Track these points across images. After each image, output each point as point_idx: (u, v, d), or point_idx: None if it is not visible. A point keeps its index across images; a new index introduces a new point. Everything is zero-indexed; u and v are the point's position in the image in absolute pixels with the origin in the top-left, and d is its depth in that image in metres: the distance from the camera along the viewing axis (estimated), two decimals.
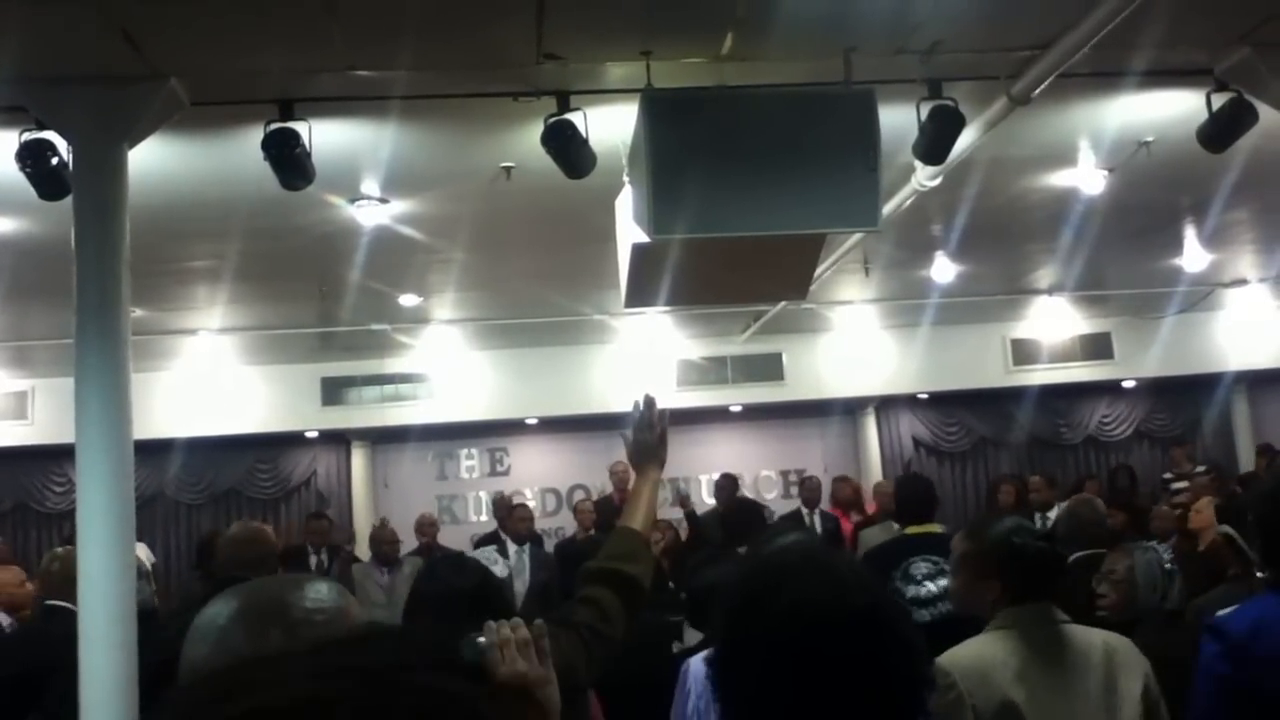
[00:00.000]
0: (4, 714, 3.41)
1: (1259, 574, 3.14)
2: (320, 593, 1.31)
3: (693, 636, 4.45)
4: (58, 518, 12.22)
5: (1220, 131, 6.07)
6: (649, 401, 2.83)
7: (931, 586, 3.16)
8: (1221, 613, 2.92)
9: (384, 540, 8.83)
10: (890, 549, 5.54)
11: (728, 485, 10.59)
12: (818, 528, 9.69)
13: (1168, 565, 3.58)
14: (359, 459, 13.48)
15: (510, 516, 9.01)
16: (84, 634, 4.94)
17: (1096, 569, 4.11)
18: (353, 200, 7.20)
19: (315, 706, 0.60)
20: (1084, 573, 4.29)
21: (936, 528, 5.47)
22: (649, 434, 2.79)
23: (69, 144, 5.45)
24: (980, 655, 2.89)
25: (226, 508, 13.04)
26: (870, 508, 10.60)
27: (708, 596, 3.32)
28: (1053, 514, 7.91)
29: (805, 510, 10.12)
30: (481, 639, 1.58)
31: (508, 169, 6.66)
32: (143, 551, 9.92)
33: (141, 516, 7.71)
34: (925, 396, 13.78)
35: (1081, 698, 2.83)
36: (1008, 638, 2.90)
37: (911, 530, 5.45)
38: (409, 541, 10.02)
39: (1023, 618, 2.91)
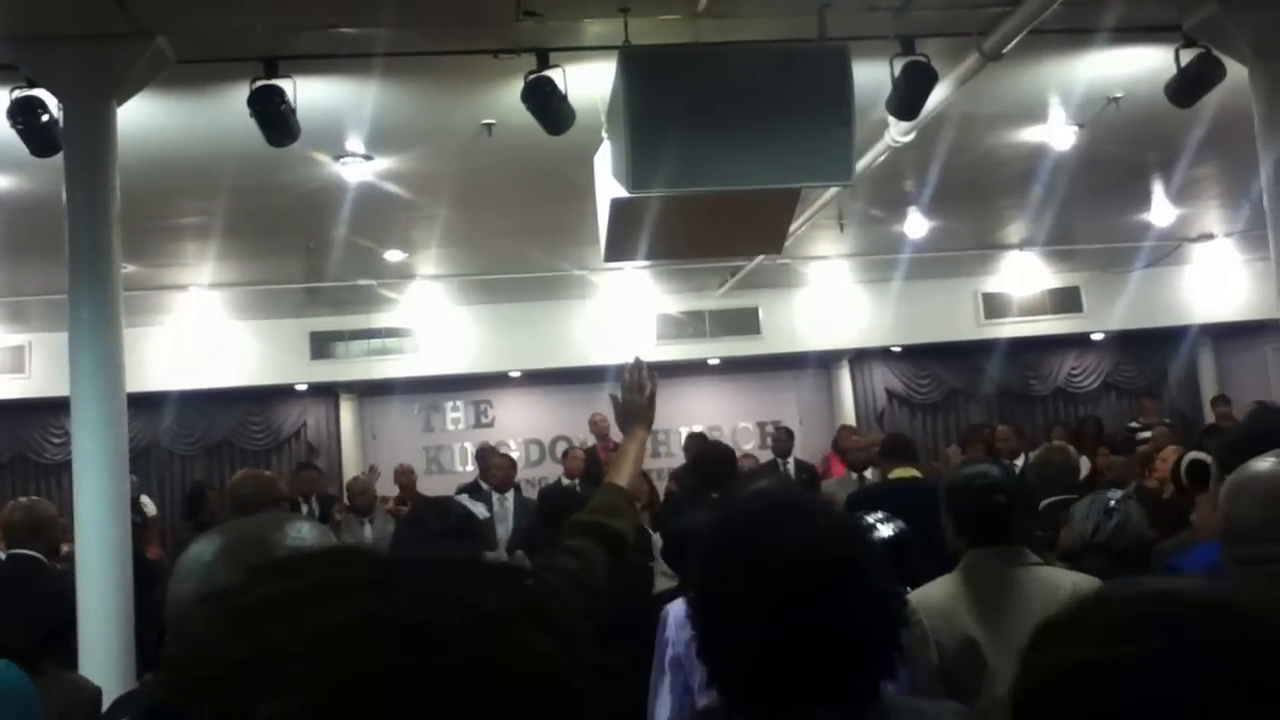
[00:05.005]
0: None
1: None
2: (301, 531, 1.32)
3: (663, 582, 4.51)
4: (56, 468, 12.39)
5: (1188, 87, 6.18)
6: (638, 364, 2.82)
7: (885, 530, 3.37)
8: (1178, 557, 3.17)
9: (355, 492, 8.90)
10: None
11: (696, 444, 10.67)
12: (793, 476, 9.84)
13: (1112, 505, 3.70)
14: (347, 411, 13.67)
15: (489, 465, 9.12)
16: (81, 578, 5.11)
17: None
18: (337, 157, 7.28)
19: (373, 627, 0.53)
20: (1054, 518, 4.37)
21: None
22: (638, 396, 2.79)
23: (59, 101, 5.54)
24: (945, 594, 3.04)
25: (219, 459, 13.30)
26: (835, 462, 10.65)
27: (683, 541, 3.37)
28: (1019, 461, 8.12)
29: (780, 461, 10.25)
30: None
31: (489, 126, 6.74)
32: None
33: (137, 467, 7.84)
34: (898, 349, 13.95)
35: None
36: (972, 578, 3.03)
37: (894, 474, 5.77)
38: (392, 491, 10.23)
39: (986, 560, 3.02)
